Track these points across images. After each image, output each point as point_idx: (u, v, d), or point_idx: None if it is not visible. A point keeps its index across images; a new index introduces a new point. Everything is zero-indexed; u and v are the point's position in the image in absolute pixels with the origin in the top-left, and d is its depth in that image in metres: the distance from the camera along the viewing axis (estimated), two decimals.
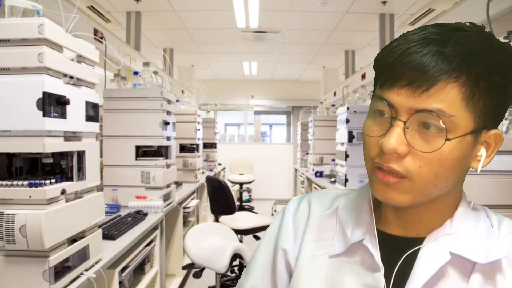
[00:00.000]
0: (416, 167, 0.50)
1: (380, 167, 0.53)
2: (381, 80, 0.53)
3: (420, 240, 0.56)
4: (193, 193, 3.94)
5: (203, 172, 4.75)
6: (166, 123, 2.63)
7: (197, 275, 2.29)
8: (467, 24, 0.52)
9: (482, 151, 0.53)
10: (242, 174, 7.06)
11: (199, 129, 4.36)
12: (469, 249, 0.53)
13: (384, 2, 3.76)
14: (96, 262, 1.40)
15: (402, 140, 0.50)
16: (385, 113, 0.52)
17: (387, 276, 0.55)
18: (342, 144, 3.39)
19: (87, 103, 1.34)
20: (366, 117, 0.56)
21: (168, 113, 2.71)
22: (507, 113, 1.65)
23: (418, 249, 0.55)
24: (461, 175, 0.54)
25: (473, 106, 0.49)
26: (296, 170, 7.24)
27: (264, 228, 3.21)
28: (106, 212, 2.15)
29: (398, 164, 0.51)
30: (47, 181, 1.12)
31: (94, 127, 1.39)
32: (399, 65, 0.50)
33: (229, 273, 3.27)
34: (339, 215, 0.63)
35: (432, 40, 0.49)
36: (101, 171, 2.51)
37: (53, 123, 1.13)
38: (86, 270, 1.32)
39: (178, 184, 3.55)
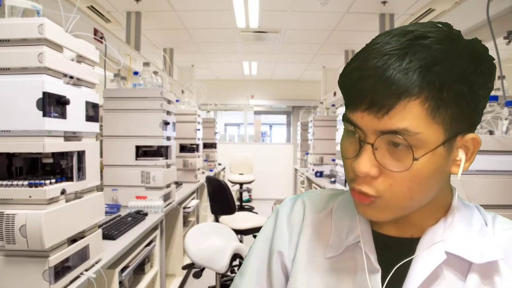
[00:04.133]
0: (387, 186, 0.50)
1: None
2: (346, 102, 0.53)
3: (415, 240, 0.55)
4: (193, 193, 3.94)
5: (203, 172, 4.75)
6: (166, 123, 2.63)
7: (197, 275, 2.29)
8: (432, 28, 0.49)
9: (461, 155, 0.52)
10: (242, 174, 7.06)
11: (199, 129, 4.36)
12: (464, 249, 0.53)
13: (384, 2, 3.76)
14: (96, 262, 1.40)
15: (372, 163, 0.50)
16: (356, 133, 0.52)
17: (383, 278, 0.55)
18: None
19: (87, 103, 1.34)
20: (342, 135, 0.56)
21: (168, 113, 2.71)
22: (507, 113, 1.65)
23: (414, 251, 0.55)
24: (441, 181, 0.53)
25: (440, 117, 0.48)
26: (296, 170, 7.23)
27: None
28: (106, 212, 2.16)
29: (369, 186, 0.51)
30: (47, 181, 1.12)
31: (94, 127, 1.39)
32: (356, 90, 0.49)
33: (229, 273, 3.26)
34: (334, 217, 0.63)
35: (390, 56, 0.47)
36: (101, 171, 2.51)
37: (53, 123, 1.13)
38: (86, 270, 1.32)
39: (178, 184, 3.55)
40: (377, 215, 0.53)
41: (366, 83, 0.48)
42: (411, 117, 0.47)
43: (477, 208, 0.58)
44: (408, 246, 0.55)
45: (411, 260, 0.54)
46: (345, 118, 0.53)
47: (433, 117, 0.47)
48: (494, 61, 0.51)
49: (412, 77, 0.46)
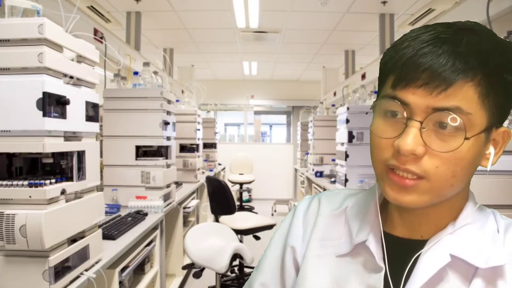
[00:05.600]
0: (433, 167, 0.49)
1: (392, 169, 0.52)
2: (394, 81, 0.52)
3: (423, 243, 0.55)
4: (193, 193, 3.94)
5: (203, 172, 4.75)
6: (166, 123, 2.63)
7: (197, 275, 2.29)
8: (471, 23, 0.52)
9: (491, 149, 0.53)
10: (242, 174, 7.06)
11: (199, 129, 4.36)
12: (470, 252, 0.52)
13: (384, 2, 3.76)
14: (96, 262, 1.40)
15: (419, 141, 0.49)
16: (398, 114, 0.51)
17: (391, 278, 0.55)
18: (342, 144, 3.39)
19: (87, 103, 1.34)
20: (374, 118, 0.55)
21: (168, 113, 2.71)
22: None
23: (421, 253, 0.54)
24: (473, 173, 0.54)
25: (488, 104, 0.49)
26: (296, 170, 7.23)
27: (264, 228, 3.22)
28: (106, 212, 2.16)
29: (415, 165, 0.50)
30: (47, 181, 1.12)
31: (94, 127, 1.39)
32: (413, 66, 0.49)
33: (229, 273, 3.27)
34: (347, 216, 0.63)
35: (445, 39, 0.49)
36: (101, 171, 2.51)
37: (53, 123, 1.13)
38: (86, 270, 1.32)
39: (178, 184, 3.55)
40: (414, 200, 0.51)
41: (424, 59, 0.48)
42: (465, 98, 0.48)
43: (493, 214, 0.57)
44: (417, 248, 0.55)
45: (417, 261, 0.54)
46: (390, 96, 0.52)
47: (482, 101, 0.49)
48: None
49: (469, 60, 0.48)
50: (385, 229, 0.59)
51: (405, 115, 0.50)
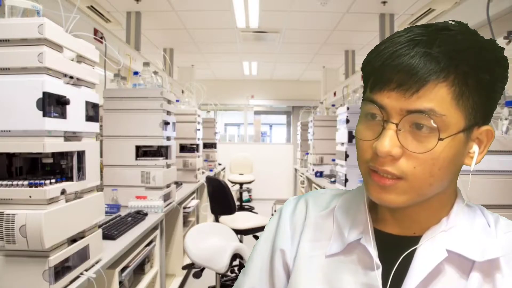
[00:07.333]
0: (411, 168, 0.50)
1: (374, 170, 0.53)
2: (371, 84, 0.53)
3: (417, 239, 0.56)
4: (193, 193, 3.94)
5: (203, 172, 4.75)
6: (166, 123, 2.63)
7: (197, 275, 2.29)
8: (452, 23, 0.52)
9: (475, 148, 0.53)
10: (242, 174, 7.06)
11: (199, 129, 4.36)
12: (465, 247, 0.53)
13: (384, 2, 3.76)
14: (96, 262, 1.40)
15: (395, 143, 0.50)
16: (377, 116, 0.53)
17: (384, 275, 0.55)
18: (342, 144, 3.39)
19: (87, 103, 1.34)
20: (358, 121, 0.56)
21: (168, 113, 2.71)
22: (507, 113, 1.65)
23: (415, 248, 0.55)
24: (456, 172, 0.55)
25: (463, 104, 0.50)
26: (296, 170, 7.24)
27: (264, 228, 3.21)
28: (106, 212, 2.15)
29: (392, 166, 0.51)
30: (47, 181, 1.12)
31: (94, 127, 1.39)
32: (387, 68, 0.50)
33: (229, 273, 3.27)
34: (336, 216, 0.63)
35: (418, 41, 0.49)
36: (101, 171, 2.51)
37: (53, 123, 1.13)
38: (86, 270, 1.32)
39: (178, 184, 3.55)
40: (394, 200, 0.52)
41: (397, 62, 0.49)
42: (438, 99, 0.49)
43: (480, 209, 0.59)
44: (410, 244, 0.55)
45: (412, 257, 0.54)
46: (368, 99, 0.53)
47: (457, 102, 0.49)
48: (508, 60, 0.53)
49: (442, 60, 0.48)
50: (377, 226, 0.60)
51: (382, 117, 0.51)
